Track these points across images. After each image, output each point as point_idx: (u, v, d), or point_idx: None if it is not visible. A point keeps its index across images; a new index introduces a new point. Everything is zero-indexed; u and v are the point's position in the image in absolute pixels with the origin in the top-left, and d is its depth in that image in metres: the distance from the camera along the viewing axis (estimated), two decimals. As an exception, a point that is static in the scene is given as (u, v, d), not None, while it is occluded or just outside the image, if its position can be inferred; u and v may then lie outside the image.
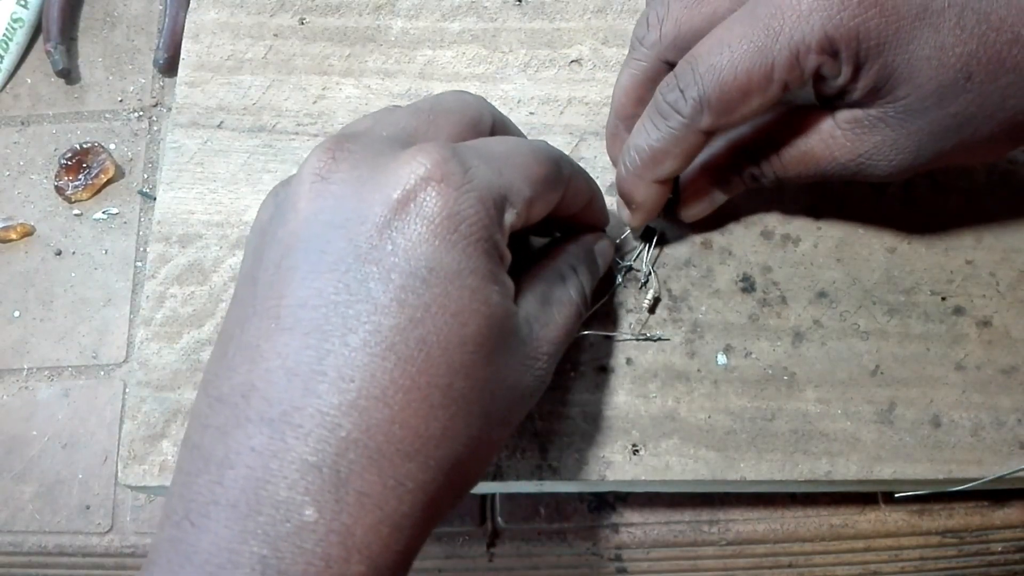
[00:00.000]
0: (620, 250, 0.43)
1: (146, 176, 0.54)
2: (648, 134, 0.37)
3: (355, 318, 0.27)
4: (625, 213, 0.41)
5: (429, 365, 0.28)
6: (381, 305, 0.28)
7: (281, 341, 0.28)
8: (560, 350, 0.34)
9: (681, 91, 0.35)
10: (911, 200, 0.44)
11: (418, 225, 0.28)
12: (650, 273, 0.42)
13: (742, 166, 0.40)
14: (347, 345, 0.27)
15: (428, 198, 0.28)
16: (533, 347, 0.33)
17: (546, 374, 0.33)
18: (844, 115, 0.36)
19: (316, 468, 0.26)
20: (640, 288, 0.43)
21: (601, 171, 0.46)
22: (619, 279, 0.42)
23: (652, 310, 0.42)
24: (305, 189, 0.30)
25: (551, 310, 0.34)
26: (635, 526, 0.44)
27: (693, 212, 0.42)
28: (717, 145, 0.40)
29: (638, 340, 0.42)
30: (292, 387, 0.27)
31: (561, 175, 0.33)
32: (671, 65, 0.37)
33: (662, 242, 0.43)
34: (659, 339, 0.42)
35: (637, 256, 0.43)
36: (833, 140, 0.37)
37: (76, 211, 0.53)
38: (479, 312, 0.29)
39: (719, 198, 0.41)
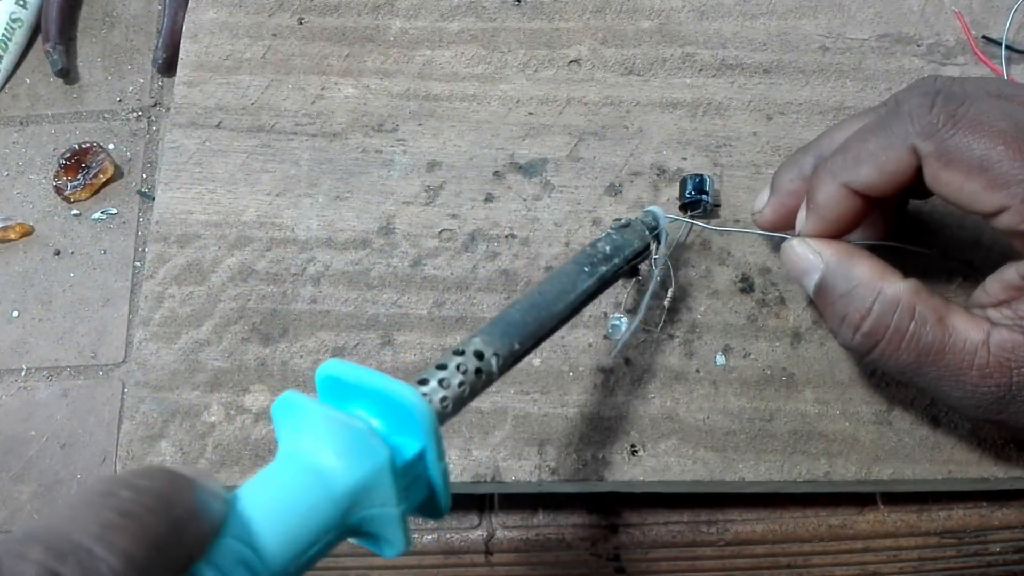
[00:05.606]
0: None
1: (145, 176, 0.54)
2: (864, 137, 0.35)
3: None
4: (800, 218, 0.39)
5: None
6: None
7: None
8: None
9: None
10: (909, 201, 0.44)
11: None
12: (667, 270, 0.42)
13: None
14: None
15: None
16: None
17: None
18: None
19: None
20: (641, 284, 0.43)
21: (600, 172, 0.46)
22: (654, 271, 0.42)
23: (671, 308, 0.42)
24: None
25: None
26: (633, 526, 0.44)
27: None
28: None
29: (660, 333, 0.42)
30: None
31: None
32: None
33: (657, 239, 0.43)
34: (670, 335, 0.42)
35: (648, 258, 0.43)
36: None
37: (75, 211, 0.53)
38: None
39: None
